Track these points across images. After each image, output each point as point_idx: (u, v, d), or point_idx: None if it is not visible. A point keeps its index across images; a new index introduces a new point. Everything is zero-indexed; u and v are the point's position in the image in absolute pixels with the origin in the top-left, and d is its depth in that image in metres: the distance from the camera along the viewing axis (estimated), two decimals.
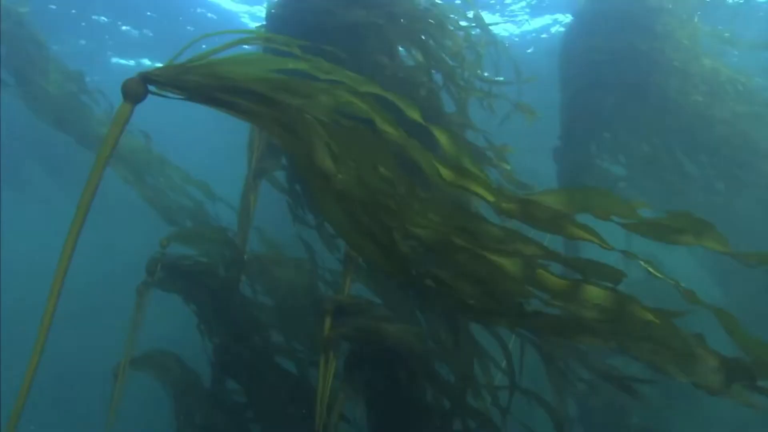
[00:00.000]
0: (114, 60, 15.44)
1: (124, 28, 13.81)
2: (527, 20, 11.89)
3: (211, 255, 3.80)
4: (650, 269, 1.93)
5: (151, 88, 2.11)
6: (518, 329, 2.49)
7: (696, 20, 5.92)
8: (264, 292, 3.98)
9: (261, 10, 12.44)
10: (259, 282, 4.02)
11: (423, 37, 4.29)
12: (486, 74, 4.28)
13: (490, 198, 1.97)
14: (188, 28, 13.47)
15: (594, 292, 1.95)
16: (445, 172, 1.94)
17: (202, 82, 2.08)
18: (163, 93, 2.13)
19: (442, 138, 2.03)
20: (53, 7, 12.49)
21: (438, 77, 4.20)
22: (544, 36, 12.34)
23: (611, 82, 5.79)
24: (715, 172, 5.70)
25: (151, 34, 14.10)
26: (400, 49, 4.26)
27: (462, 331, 3.07)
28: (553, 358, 3.71)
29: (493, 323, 2.29)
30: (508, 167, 3.85)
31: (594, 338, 2.12)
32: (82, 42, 14.19)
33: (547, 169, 6.53)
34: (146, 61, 15.33)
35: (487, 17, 11.11)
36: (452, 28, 4.38)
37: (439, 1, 4.56)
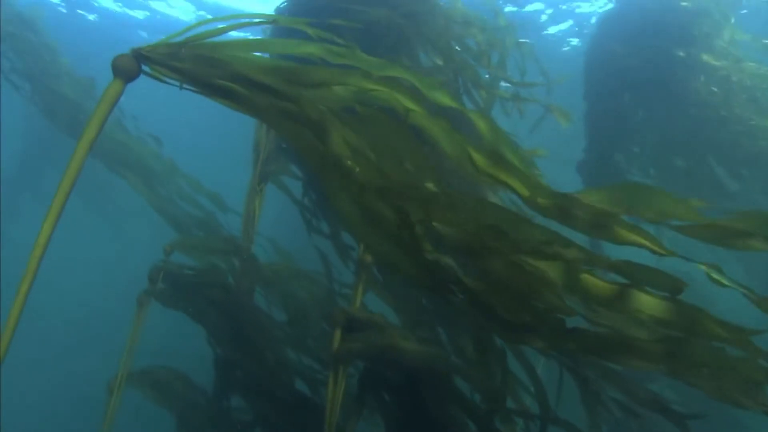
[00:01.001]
0: None
1: None
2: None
3: (219, 264, 3.56)
4: (716, 276, 1.63)
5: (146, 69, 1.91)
6: (555, 350, 2.18)
7: (733, 23, 5.60)
8: (274, 304, 3.72)
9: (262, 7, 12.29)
10: (269, 293, 3.77)
11: (444, 39, 4.07)
12: (508, 76, 4.02)
13: (525, 192, 1.70)
14: None
15: (650, 302, 1.65)
16: (480, 159, 1.67)
17: (199, 65, 1.85)
18: (157, 75, 1.92)
19: (479, 123, 1.79)
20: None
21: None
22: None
23: (642, 90, 5.49)
24: (758, 185, 5.32)
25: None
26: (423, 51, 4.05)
27: (491, 348, 2.76)
28: (588, 381, 3.39)
29: (528, 342, 1.99)
30: (538, 173, 3.58)
31: (644, 360, 1.82)
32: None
33: (569, 182, 6.20)
34: None
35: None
36: (476, 28, 4.15)
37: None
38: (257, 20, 2.09)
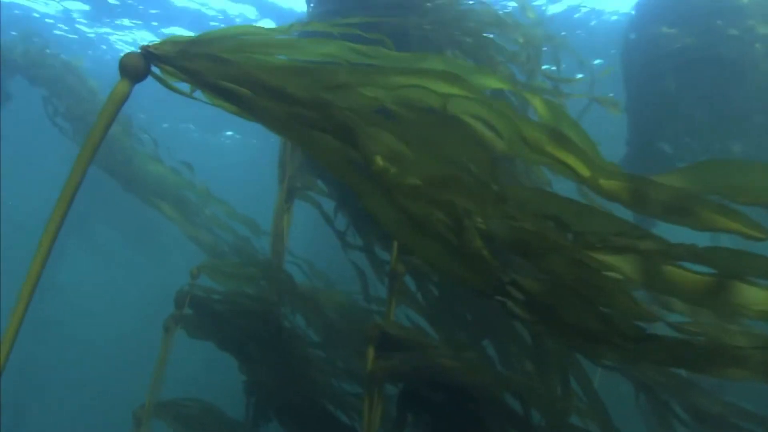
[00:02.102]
0: None
1: None
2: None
3: (249, 288, 3.38)
4: None
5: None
6: (630, 363, 1.88)
7: None
8: (308, 324, 3.50)
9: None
10: (302, 313, 3.55)
11: (477, 42, 3.86)
12: (548, 72, 3.76)
13: (585, 172, 1.45)
14: None
15: (759, 295, 1.35)
16: (534, 134, 1.44)
17: (209, 65, 1.68)
18: (165, 78, 1.76)
19: (536, 102, 1.56)
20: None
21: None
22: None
23: (691, 72, 5.11)
24: None
25: None
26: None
27: (550, 359, 2.46)
28: (654, 390, 3.04)
29: (596, 354, 1.71)
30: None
31: (747, 369, 1.51)
32: None
33: None
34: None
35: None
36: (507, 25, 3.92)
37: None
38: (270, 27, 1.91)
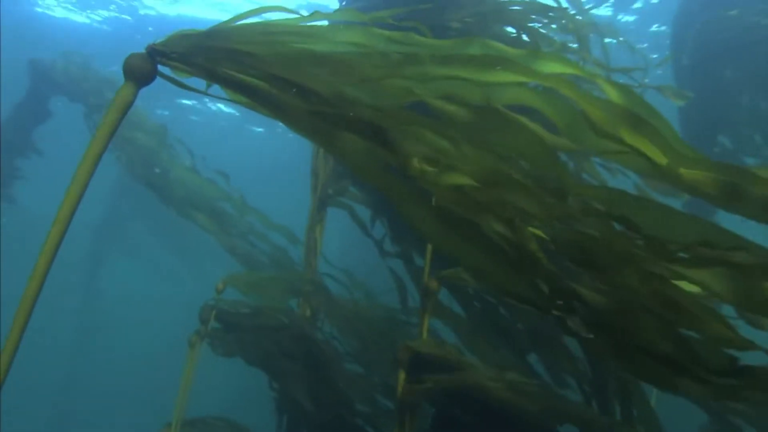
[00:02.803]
0: None
1: None
2: None
3: (282, 300, 3.21)
4: None
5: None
6: (718, 398, 1.59)
7: None
8: (342, 338, 3.31)
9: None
10: (338, 328, 3.36)
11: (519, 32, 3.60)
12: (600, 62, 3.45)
13: (663, 160, 1.21)
14: None
15: None
16: (601, 116, 1.20)
17: (222, 59, 1.51)
18: (177, 76, 1.60)
19: (608, 90, 1.33)
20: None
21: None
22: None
23: (751, 58, 4.68)
24: None
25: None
26: None
27: (611, 386, 2.18)
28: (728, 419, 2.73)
29: (674, 385, 1.44)
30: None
31: None
32: None
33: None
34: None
35: None
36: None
37: None
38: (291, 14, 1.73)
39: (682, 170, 1.22)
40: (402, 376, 2.24)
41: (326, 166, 3.28)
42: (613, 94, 1.31)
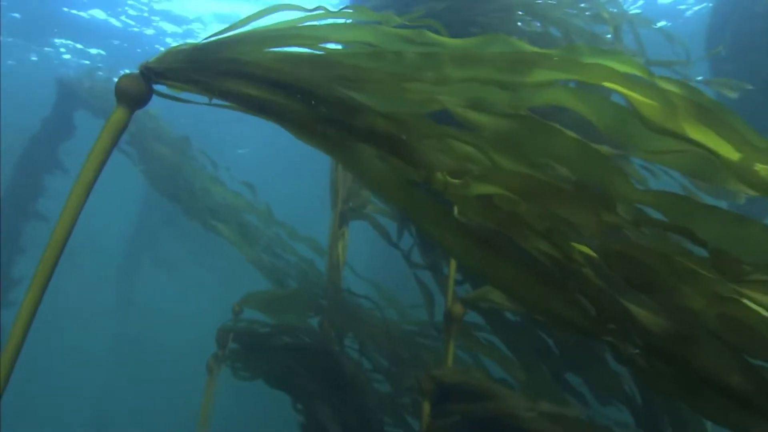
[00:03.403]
0: None
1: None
2: None
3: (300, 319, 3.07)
4: None
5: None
6: None
7: None
8: (372, 358, 3.15)
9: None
10: (366, 347, 3.20)
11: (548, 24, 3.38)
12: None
13: (734, 155, 1.03)
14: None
15: None
16: (655, 108, 1.03)
17: (221, 71, 1.37)
18: (175, 94, 1.47)
19: (661, 82, 1.16)
20: None
21: None
22: None
23: None
24: None
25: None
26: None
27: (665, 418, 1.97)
28: None
29: (745, 426, 1.25)
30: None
31: None
32: None
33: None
34: None
35: None
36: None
37: None
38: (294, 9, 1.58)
39: (759, 167, 1.03)
40: (426, 408, 2.07)
41: (346, 179, 3.13)
42: (667, 86, 1.14)
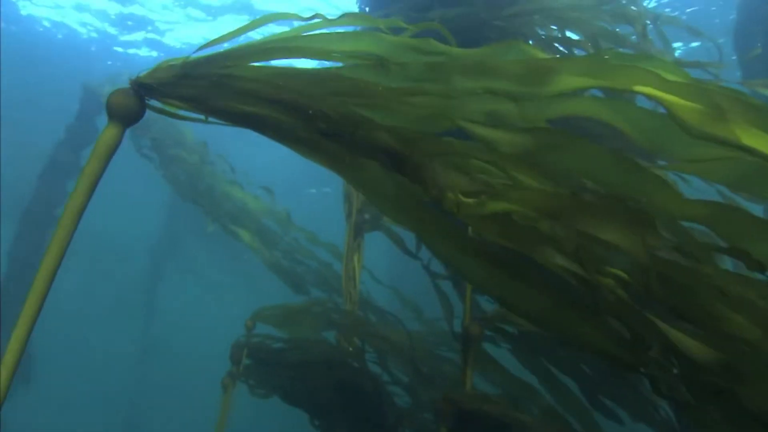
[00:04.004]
0: None
1: None
2: None
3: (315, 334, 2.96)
4: None
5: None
6: None
7: None
8: (393, 374, 3.02)
9: None
10: (386, 362, 3.08)
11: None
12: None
13: None
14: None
15: None
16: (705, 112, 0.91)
17: (214, 87, 1.27)
18: (168, 109, 1.38)
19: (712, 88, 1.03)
20: None
21: None
22: None
23: None
24: None
25: None
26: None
27: None
28: None
29: None
30: None
31: None
32: None
33: None
34: None
35: None
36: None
37: None
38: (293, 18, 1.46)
39: None
40: None
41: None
42: (709, 87, 1.00)
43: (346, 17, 1.20)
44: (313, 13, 1.32)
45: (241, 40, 1.42)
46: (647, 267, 1.10)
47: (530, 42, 2.99)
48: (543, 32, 3.04)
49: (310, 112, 1.07)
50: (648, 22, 2.92)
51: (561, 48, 3.03)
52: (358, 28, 1.49)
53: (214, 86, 1.25)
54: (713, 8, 10.11)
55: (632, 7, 3.16)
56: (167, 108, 1.36)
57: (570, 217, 1.11)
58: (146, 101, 1.35)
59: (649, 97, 1.13)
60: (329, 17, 1.23)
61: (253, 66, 1.18)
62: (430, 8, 2.68)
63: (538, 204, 1.07)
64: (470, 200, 1.06)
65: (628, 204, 1.10)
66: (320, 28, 1.21)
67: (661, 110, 1.21)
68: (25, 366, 8.16)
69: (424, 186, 1.09)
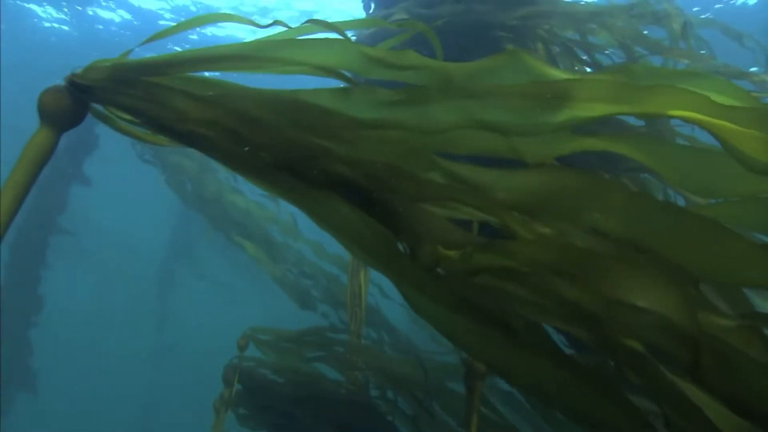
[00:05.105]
0: None
1: None
2: None
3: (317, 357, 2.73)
4: None
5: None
6: None
7: None
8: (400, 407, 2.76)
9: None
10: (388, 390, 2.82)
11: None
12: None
13: None
14: None
15: None
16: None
17: (152, 98, 1.04)
18: (108, 116, 1.16)
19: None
20: None
21: None
22: None
23: None
24: None
25: None
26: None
27: None
28: None
29: None
30: None
31: None
32: None
33: None
34: None
35: None
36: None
37: None
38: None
39: None
40: None
41: None
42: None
43: (309, 24, 0.96)
44: (313, 15, 1.10)
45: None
46: (694, 340, 0.84)
47: (546, 46, 2.72)
48: (562, 34, 2.77)
49: (253, 140, 0.84)
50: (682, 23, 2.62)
51: (581, 54, 2.76)
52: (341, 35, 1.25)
53: (146, 97, 1.02)
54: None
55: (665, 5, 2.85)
56: (111, 115, 1.15)
57: (586, 275, 0.86)
58: (87, 103, 1.13)
59: (690, 122, 0.88)
60: (291, 25, 0.99)
61: (186, 77, 0.95)
62: (439, 4, 2.43)
63: (544, 260, 0.82)
64: (452, 253, 0.82)
65: (665, 260, 0.85)
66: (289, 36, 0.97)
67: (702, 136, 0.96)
68: (29, 378, 8.09)
69: (395, 232, 0.85)
